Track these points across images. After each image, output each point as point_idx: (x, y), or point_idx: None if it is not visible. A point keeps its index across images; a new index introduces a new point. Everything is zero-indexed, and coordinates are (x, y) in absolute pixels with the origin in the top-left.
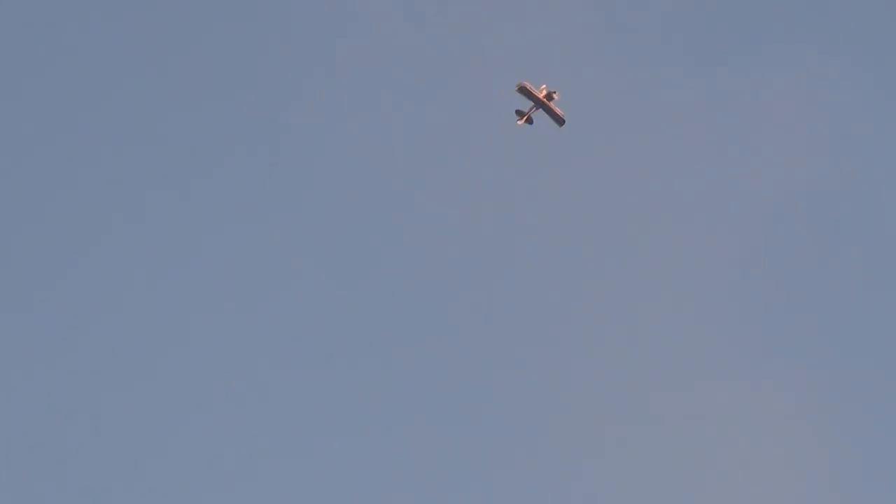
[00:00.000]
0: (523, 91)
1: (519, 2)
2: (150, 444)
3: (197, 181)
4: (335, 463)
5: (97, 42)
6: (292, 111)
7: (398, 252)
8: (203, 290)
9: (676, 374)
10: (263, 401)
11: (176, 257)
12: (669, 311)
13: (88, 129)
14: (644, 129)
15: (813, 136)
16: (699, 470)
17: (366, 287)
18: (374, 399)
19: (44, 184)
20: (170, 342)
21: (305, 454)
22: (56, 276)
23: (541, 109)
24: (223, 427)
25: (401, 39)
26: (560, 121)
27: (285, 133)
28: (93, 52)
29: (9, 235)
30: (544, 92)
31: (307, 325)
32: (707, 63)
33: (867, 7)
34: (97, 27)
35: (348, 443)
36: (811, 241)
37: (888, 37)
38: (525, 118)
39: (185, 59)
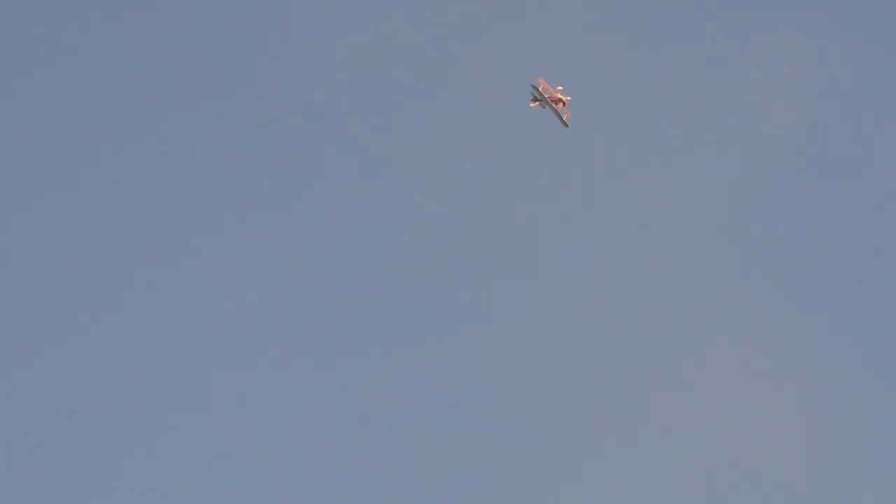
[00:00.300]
0: (536, 89)
1: (519, 2)
2: (148, 443)
3: (197, 181)
4: (334, 462)
5: (97, 42)
6: (292, 111)
7: (398, 252)
8: (203, 289)
9: (677, 372)
10: (263, 400)
11: (176, 257)
12: (669, 309)
13: (88, 128)
14: (643, 127)
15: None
16: (699, 469)
17: (365, 287)
18: (373, 399)
19: (44, 183)
20: (169, 341)
21: (305, 453)
22: (56, 276)
23: (550, 108)
24: (222, 426)
25: (401, 39)
26: (564, 124)
27: (285, 133)
28: (93, 52)
29: (9, 235)
30: (557, 95)
31: (307, 325)
32: (703, 61)
33: None
34: (97, 27)
35: (348, 442)
36: (810, 240)
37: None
38: (538, 103)
39: (185, 59)
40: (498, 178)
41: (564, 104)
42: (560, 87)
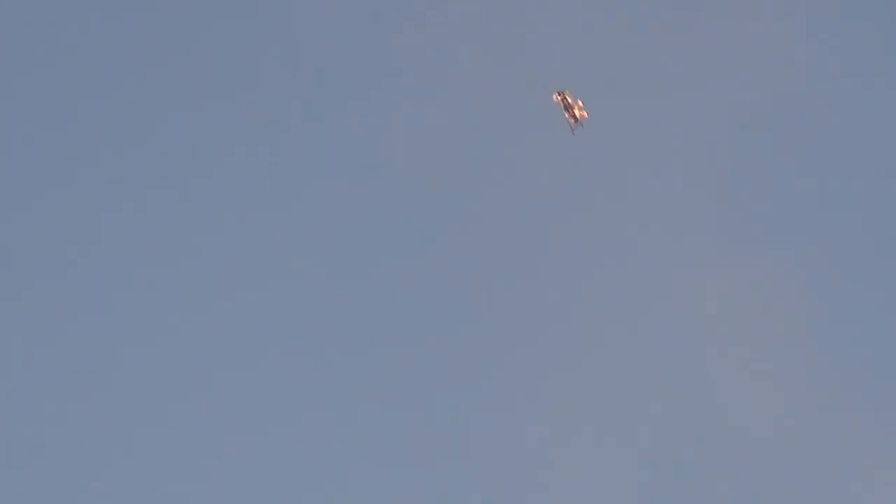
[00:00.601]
0: (557, 98)
1: (519, 2)
2: (147, 443)
3: (197, 181)
4: (334, 462)
5: (97, 42)
6: (292, 111)
7: (398, 252)
8: (203, 289)
9: (677, 372)
10: (263, 400)
11: (175, 257)
12: (669, 309)
13: (88, 128)
14: (642, 127)
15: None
16: (699, 468)
17: (366, 287)
18: (373, 398)
19: (43, 183)
20: (169, 341)
21: (304, 453)
22: (55, 276)
23: (564, 114)
24: (222, 426)
25: (401, 39)
26: (572, 132)
27: (285, 133)
28: (93, 52)
29: (8, 235)
30: (574, 109)
31: (307, 325)
32: (701, 58)
33: None
34: (97, 27)
35: (347, 442)
36: (811, 240)
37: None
38: (561, 97)
39: (185, 59)
40: (498, 178)
41: (577, 119)
42: (580, 102)
